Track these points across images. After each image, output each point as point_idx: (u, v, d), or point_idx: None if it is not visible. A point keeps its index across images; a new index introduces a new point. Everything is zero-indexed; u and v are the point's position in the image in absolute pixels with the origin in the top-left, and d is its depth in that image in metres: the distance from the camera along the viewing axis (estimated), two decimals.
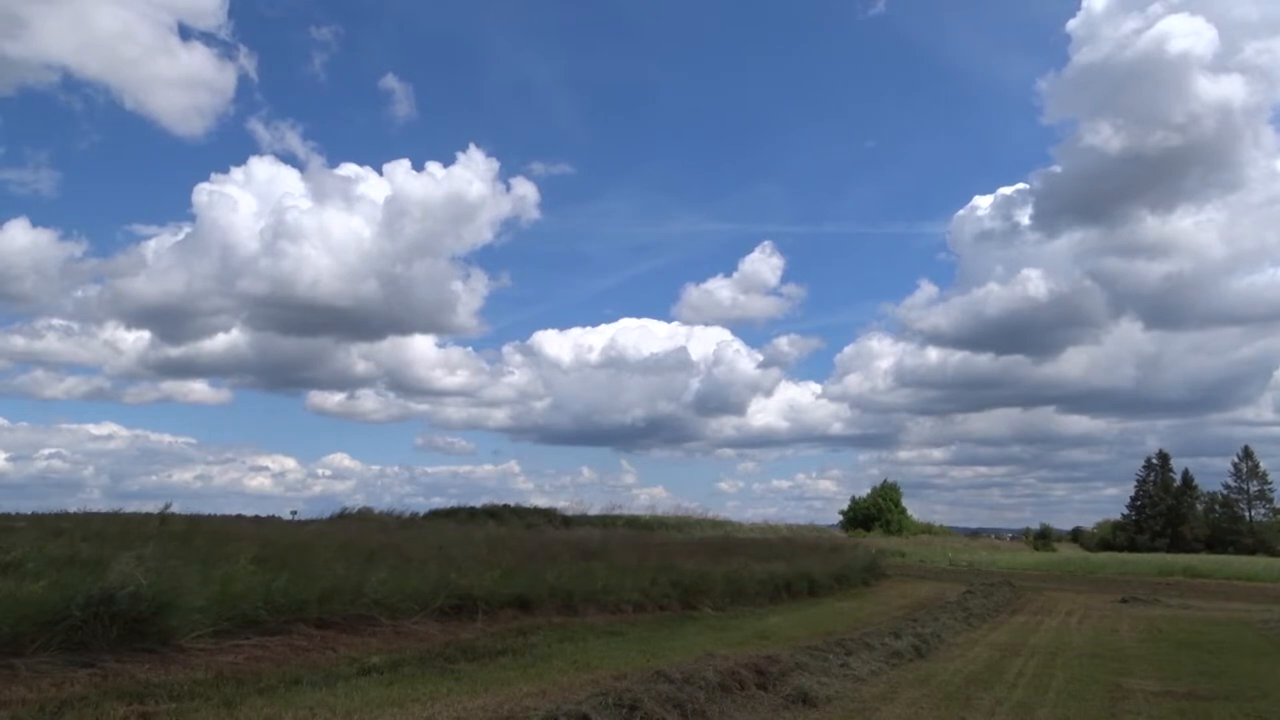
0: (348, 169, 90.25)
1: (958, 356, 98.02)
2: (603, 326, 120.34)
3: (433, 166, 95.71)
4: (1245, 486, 70.52)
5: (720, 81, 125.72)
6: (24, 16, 77.78)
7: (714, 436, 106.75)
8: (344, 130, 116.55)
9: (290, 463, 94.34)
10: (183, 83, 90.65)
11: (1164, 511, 69.45)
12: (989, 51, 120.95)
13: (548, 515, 41.83)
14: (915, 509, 74.10)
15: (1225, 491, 71.38)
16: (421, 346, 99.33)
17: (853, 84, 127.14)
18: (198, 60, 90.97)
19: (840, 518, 73.20)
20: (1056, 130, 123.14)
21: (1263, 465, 70.32)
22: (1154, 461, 73.37)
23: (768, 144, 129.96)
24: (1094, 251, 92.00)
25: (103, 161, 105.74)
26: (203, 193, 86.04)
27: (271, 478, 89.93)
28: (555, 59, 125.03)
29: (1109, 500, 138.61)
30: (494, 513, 40.39)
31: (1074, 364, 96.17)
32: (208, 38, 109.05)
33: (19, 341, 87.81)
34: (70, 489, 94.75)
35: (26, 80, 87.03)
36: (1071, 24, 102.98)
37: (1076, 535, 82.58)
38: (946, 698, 8.86)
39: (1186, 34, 73.19)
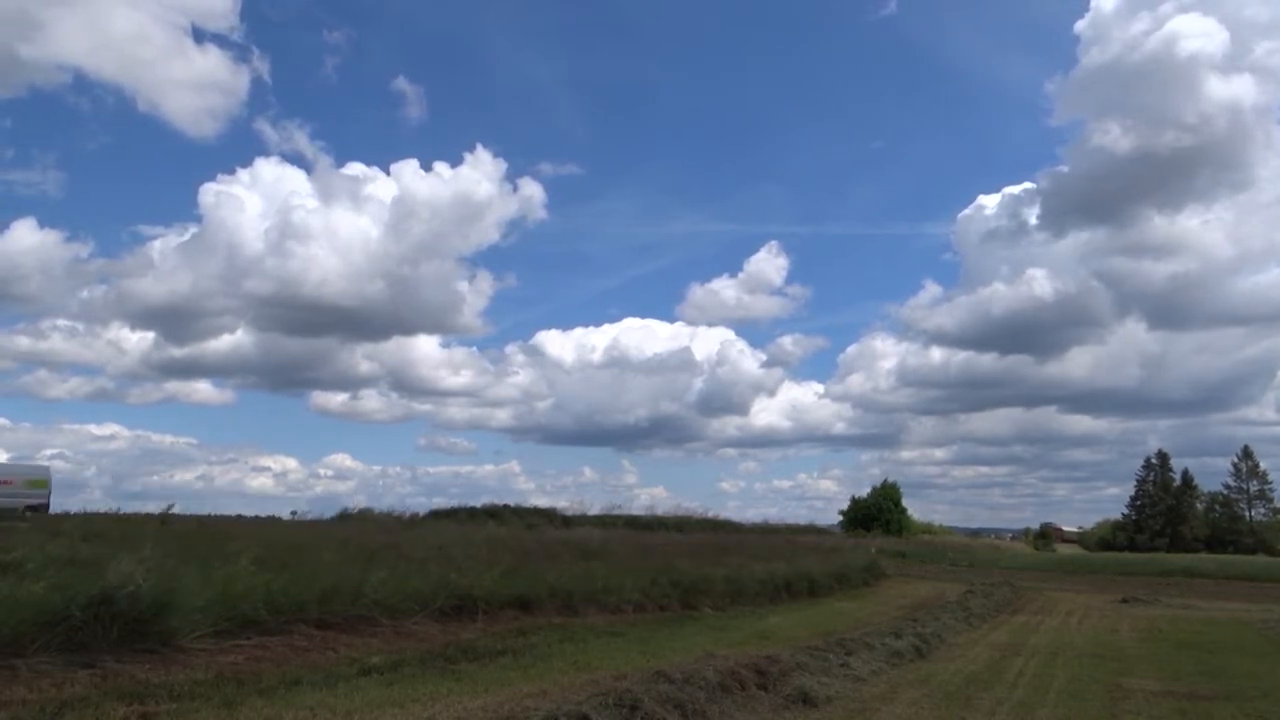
0: (355, 169, 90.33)
1: (961, 356, 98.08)
2: (606, 326, 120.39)
3: (440, 167, 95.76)
4: (1245, 486, 70.52)
5: (724, 82, 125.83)
6: (40, 19, 78.24)
7: (716, 436, 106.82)
8: (351, 131, 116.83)
9: (292, 463, 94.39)
10: (196, 85, 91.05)
11: (1164, 511, 69.41)
12: (994, 52, 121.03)
13: (548, 515, 41.75)
14: (916, 509, 73.99)
15: (1225, 491, 71.44)
16: (425, 347, 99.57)
17: (857, 84, 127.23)
18: (211, 63, 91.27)
19: (840, 518, 73.16)
20: (1063, 131, 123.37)
21: (1263, 465, 70.43)
22: (1153, 461, 73.36)
23: (772, 144, 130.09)
24: (1100, 251, 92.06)
25: (109, 162, 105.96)
26: (209, 193, 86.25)
27: (273, 478, 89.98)
28: (560, 60, 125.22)
29: (1110, 500, 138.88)
30: (494, 513, 40.33)
31: (1078, 364, 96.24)
32: (220, 40, 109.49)
33: (23, 342, 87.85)
34: (72, 489, 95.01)
35: (36, 81, 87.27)
36: (1080, 25, 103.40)
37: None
38: (947, 698, 8.86)
39: (1197, 34, 73.42)
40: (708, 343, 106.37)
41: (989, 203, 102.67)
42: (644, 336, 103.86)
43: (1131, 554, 52.89)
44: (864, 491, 72.51)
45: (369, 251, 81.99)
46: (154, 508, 19.97)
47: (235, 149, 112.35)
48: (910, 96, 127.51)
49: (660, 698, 7.24)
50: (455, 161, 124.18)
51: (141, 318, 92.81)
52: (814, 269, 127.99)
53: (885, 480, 72.16)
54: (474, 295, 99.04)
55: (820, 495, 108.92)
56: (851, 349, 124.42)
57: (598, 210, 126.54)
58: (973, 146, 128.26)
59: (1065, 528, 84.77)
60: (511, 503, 45.94)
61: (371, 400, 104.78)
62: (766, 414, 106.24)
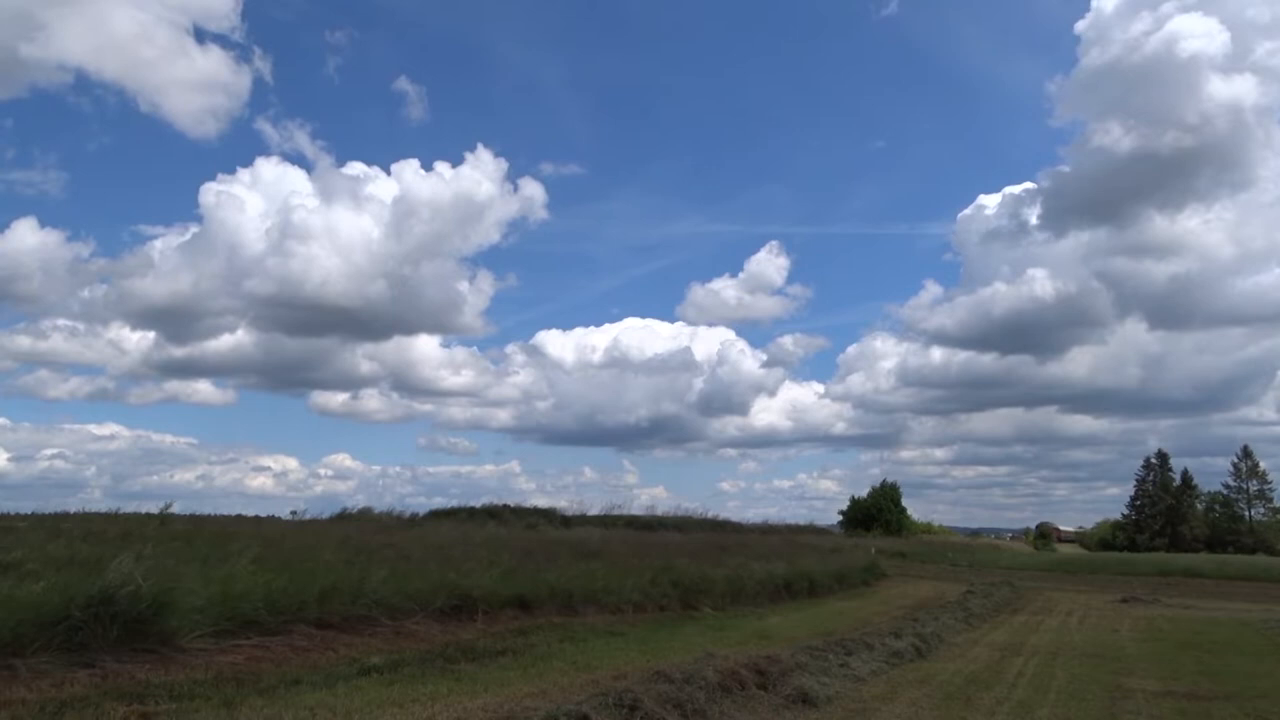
0: (355, 168, 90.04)
1: (961, 356, 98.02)
2: (607, 326, 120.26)
3: (441, 167, 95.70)
4: (1245, 486, 70.37)
5: (725, 82, 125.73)
6: (42, 19, 78.29)
7: (717, 436, 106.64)
8: (353, 131, 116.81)
9: (292, 463, 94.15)
10: (197, 85, 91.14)
11: (1163, 511, 69.35)
12: (995, 53, 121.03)
13: (548, 515, 41.65)
14: (916, 509, 74.07)
15: (1225, 491, 71.36)
16: (426, 347, 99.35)
17: (858, 85, 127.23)
18: (213, 63, 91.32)
19: (840, 518, 73.19)
20: (1064, 131, 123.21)
21: (1262, 465, 70.28)
22: (1153, 461, 73.27)
23: (773, 144, 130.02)
24: (1101, 251, 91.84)
25: (111, 162, 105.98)
26: (210, 193, 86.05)
27: (273, 478, 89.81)
28: (562, 61, 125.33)
29: (1110, 500, 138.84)
30: (494, 513, 40.21)
31: (1078, 364, 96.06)
32: (222, 40, 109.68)
33: (24, 342, 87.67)
34: (71, 489, 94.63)
35: (38, 81, 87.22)
36: (1080, 25, 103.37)
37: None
38: (947, 698, 8.86)
39: (1198, 35, 73.32)
40: (708, 343, 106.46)
41: (990, 203, 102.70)
42: (644, 336, 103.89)
43: (1131, 554, 52.86)
44: (864, 492, 72.63)
45: (370, 251, 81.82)
46: (154, 508, 19.93)
47: (236, 149, 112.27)
48: (911, 97, 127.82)
49: (660, 698, 7.24)
50: (456, 161, 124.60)
51: (142, 317, 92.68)
52: (815, 269, 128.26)
53: (885, 480, 72.32)
54: (475, 295, 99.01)
55: (820, 495, 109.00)
56: (852, 349, 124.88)
57: (599, 210, 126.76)
58: (974, 147, 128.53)
59: (1062, 527, 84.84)
60: (512, 503, 45.80)
61: (372, 400, 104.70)
62: (767, 414, 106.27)
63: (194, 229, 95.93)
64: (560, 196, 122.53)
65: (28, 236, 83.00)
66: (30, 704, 6.54)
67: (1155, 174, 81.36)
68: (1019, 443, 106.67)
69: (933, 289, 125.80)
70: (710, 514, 44.13)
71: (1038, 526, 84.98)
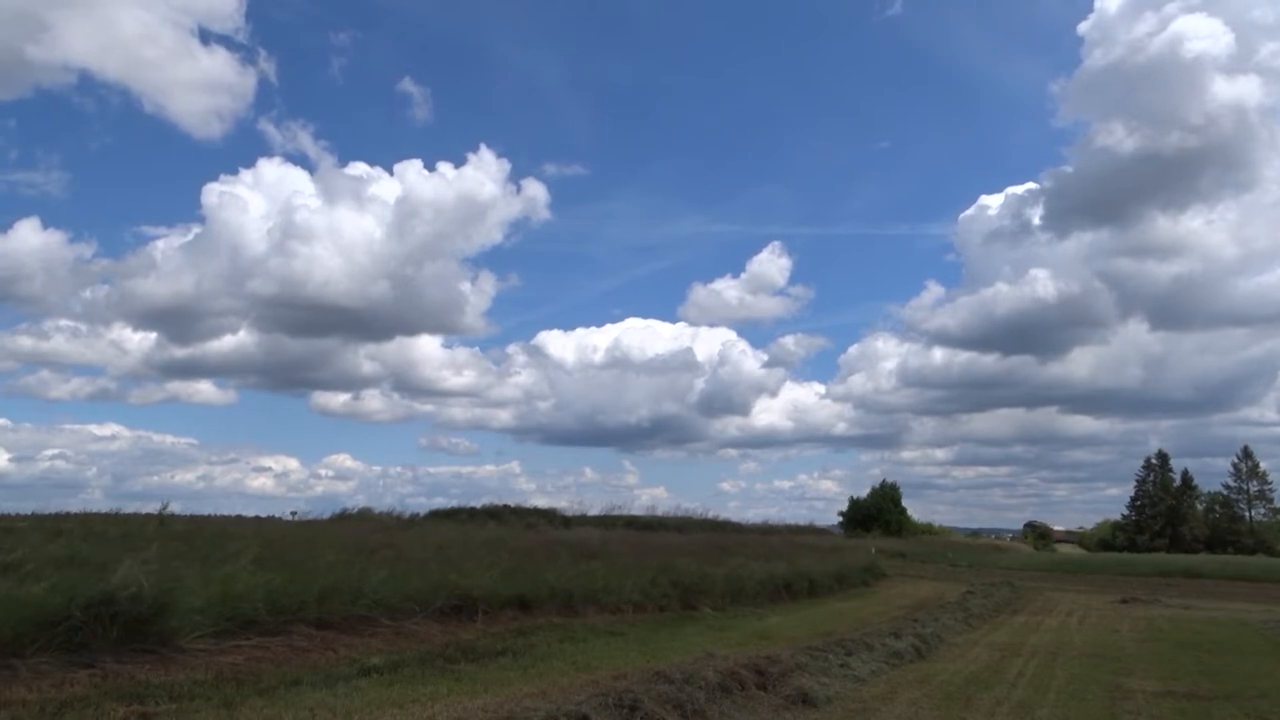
0: (358, 169, 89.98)
1: (962, 357, 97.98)
2: (608, 327, 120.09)
3: (444, 167, 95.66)
4: (1245, 486, 70.42)
5: (728, 82, 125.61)
6: (48, 20, 78.55)
7: (717, 437, 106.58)
8: (356, 131, 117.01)
9: (292, 463, 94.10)
10: (202, 85, 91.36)
11: (1164, 512, 69.38)
12: (998, 53, 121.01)
13: (548, 515, 41.63)
14: (917, 509, 74.16)
15: (1225, 492, 71.40)
16: (428, 347, 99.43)
17: (861, 85, 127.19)
18: (217, 63, 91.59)
19: (840, 518, 73.19)
20: (1067, 132, 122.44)
21: (1263, 465, 70.34)
22: (1153, 462, 73.30)
23: (776, 145, 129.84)
24: (1104, 252, 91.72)
25: (113, 163, 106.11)
26: (212, 193, 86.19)
27: (274, 478, 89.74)
28: (564, 61, 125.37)
29: (1111, 500, 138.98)
30: (494, 513, 40.19)
31: (1080, 364, 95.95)
32: (227, 41, 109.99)
33: (26, 342, 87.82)
34: (72, 489, 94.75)
35: (42, 82, 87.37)
36: (1083, 26, 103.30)
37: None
38: (947, 698, 8.86)
39: (1202, 35, 73.34)
40: (709, 343, 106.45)
41: (992, 203, 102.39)
42: (646, 337, 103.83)
43: (1131, 554, 52.85)
44: (864, 492, 72.67)
45: (372, 252, 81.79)
46: (154, 508, 19.90)
47: (239, 149, 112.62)
48: (913, 97, 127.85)
49: (660, 698, 7.24)
50: (459, 162, 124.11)
51: (144, 318, 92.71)
52: (816, 269, 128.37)
53: (885, 480, 72.37)
54: (476, 295, 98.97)
55: (821, 496, 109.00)
56: (853, 349, 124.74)
57: (601, 211, 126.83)
58: (976, 147, 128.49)
59: (1056, 527, 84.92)
60: (512, 503, 45.80)
61: (373, 400, 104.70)
62: (768, 414, 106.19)
63: (196, 229, 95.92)
64: (562, 197, 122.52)
65: (30, 237, 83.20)
66: (30, 704, 6.54)
67: (1158, 174, 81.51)
68: (1020, 443, 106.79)
69: (934, 289, 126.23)
70: (710, 514, 44.12)
71: (1029, 525, 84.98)
